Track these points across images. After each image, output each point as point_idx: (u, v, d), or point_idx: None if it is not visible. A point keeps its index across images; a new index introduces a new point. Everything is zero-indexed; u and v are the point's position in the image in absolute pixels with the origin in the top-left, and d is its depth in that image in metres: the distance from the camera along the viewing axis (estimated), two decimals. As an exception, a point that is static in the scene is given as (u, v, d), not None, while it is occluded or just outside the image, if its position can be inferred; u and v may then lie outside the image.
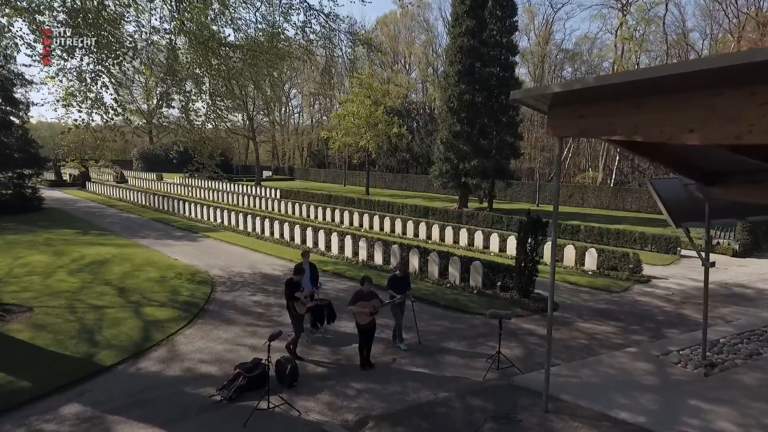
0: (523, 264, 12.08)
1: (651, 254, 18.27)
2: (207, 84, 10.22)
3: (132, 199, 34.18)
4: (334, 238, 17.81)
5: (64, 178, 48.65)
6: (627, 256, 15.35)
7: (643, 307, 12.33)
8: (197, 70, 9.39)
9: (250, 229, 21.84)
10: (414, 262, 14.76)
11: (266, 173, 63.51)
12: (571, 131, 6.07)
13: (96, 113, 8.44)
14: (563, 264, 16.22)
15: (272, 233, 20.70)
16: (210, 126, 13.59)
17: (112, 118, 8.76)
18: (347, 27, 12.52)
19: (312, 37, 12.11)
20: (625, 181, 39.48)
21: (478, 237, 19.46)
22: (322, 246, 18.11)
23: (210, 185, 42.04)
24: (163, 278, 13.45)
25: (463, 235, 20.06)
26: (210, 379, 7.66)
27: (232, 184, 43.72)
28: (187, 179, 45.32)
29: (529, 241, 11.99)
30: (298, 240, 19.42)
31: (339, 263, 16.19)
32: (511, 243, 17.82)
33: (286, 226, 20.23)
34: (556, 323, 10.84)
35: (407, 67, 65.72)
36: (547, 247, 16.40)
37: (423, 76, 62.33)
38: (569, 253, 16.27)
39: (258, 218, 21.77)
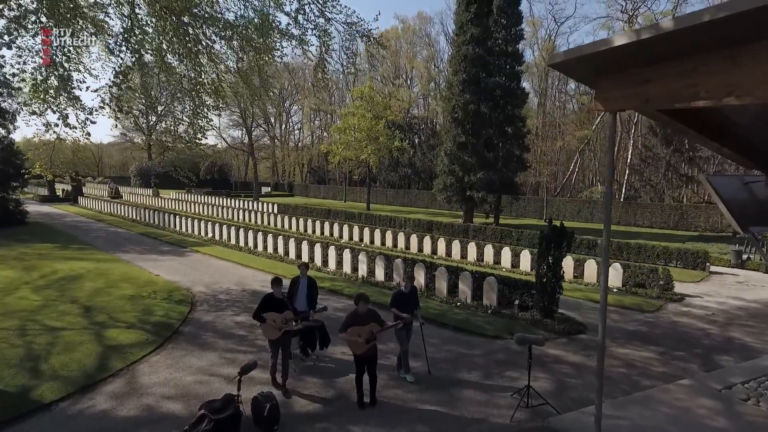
0: (545, 280, 10.60)
1: (677, 270, 16.71)
2: (176, 64, 8.96)
3: (123, 214, 32.82)
4: (332, 252, 16.35)
5: (57, 194, 47.43)
6: (655, 272, 13.84)
7: (683, 329, 10.78)
8: (159, 39, 8.10)
9: (242, 243, 20.41)
10: (420, 278, 13.26)
11: (265, 189, 62.39)
12: (630, 102, 4.69)
13: (49, 94, 7.16)
14: (584, 281, 14.74)
15: (265, 247, 19.24)
16: (192, 130, 12.30)
17: (64, 90, 7.44)
18: (344, 18, 11.29)
19: (307, 25, 10.90)
20: (635, 196, 38.00)
21: (488, 251, 17.96)
22: (318, 261, 16.64)
23: (206, 200, 40.85)
24: (137, 296, 11.95)
25: (472, 249, 18.56)
26: (171, 420, 6.15)
27: (228, 200, 42.49)
28: (183, 194, 44.09)
29: (552, 253, 10.53)
30: (292, 254, 17.95)
31: (337, 279, 14.70)
32: (525, 258, 16.36)
33: (280, 239, 18.76)
34: (587, 348, 9.32)
35: (409, 81, 65.10)
36: (566, 263, 14.91)
37: (425, 89, 61.59)
38: (590, 268, 14.76)
39: (251, 232, 20.35)
